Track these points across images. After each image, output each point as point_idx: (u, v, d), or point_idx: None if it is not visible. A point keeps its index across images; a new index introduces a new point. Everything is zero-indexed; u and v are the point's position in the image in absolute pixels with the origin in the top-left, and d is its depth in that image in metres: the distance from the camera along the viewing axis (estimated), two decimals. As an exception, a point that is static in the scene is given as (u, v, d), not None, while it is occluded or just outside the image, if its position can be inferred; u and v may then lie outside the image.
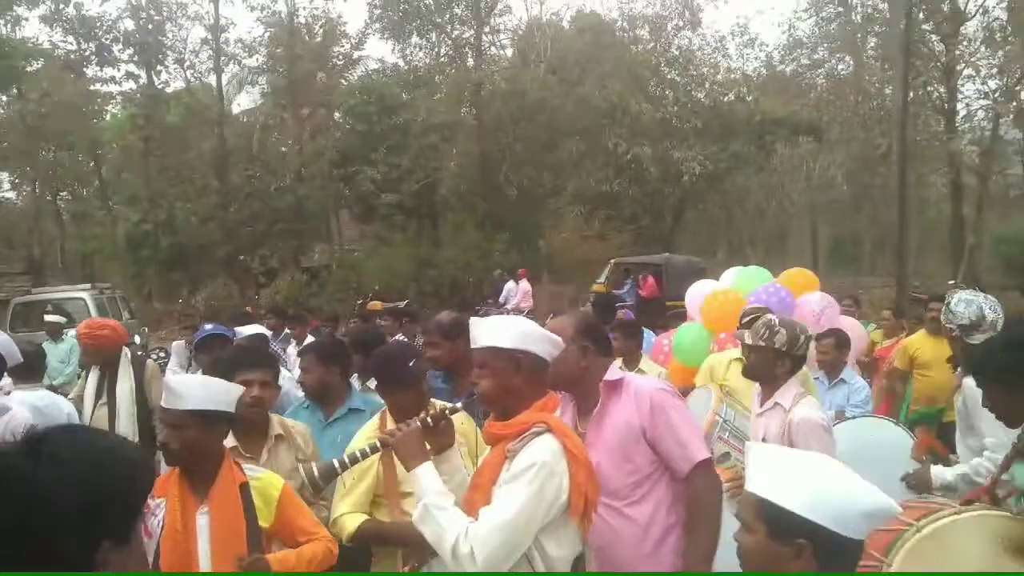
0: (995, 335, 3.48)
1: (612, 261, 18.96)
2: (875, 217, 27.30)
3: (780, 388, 3.49)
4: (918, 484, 3.54)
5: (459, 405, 2.55)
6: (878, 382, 6.57)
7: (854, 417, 4.88)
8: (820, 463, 1.67)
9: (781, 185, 26.82)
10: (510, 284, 15.89)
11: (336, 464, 2.46)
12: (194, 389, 2.67)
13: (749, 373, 3.67)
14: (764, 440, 3.40)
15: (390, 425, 3.10)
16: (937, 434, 4.84)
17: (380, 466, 3.03)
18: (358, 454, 2.48)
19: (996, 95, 21.80)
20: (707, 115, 23.44)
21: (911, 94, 18.21)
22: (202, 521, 2.60)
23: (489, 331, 2.39)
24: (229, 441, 3.23)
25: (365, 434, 3.18)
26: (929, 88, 22.20)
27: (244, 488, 2.67)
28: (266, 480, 2.77)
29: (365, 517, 3.03)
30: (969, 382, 3.20)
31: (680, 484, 2.74)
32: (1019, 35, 18.76)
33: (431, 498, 2.26)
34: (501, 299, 15.17)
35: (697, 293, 6.46)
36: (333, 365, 3.76)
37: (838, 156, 24.46)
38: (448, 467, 2.40)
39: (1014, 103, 20.30)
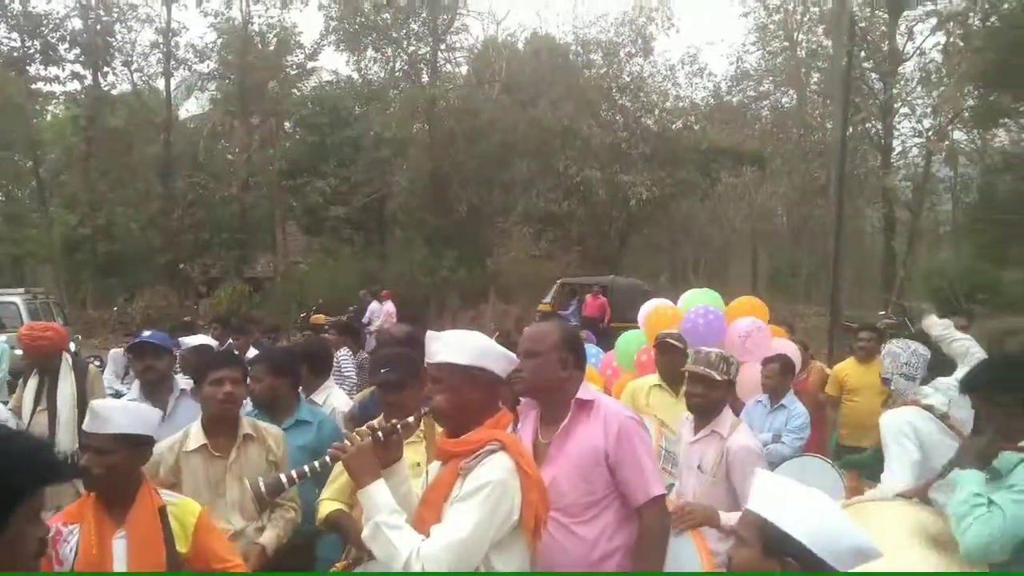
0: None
1: (559, 281, 19.15)
2: (812, 247, 28.13)
3: (717, 417, 3.54)
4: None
5: (411, 420, 2.51)
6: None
7: (788, 441, 5.10)
8: (820, 499, 1.83)
9: (725, 213, 27.56)
10: (374, 305, 16.00)
11: (284, 479, 2.38)
12: (118, 413, 2.65)
13: (703, 406, 3.57)
14: (700, 467, 3.46)
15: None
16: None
17: None
18: (306, 469, 2.41)
19: (929, 133, 22.78)
20: (655, 141, 23.94)
21: (850, 129, 18.93)
22: (119, 546, 2.55)
23: (446, 346, 2.38)
24: (200, 439, 3.27)
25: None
26: (867, 124, 23.09)
27: (163, 512, 2.64)
28: (183, 506, 2.75)
29: (339, 506, 3.17)
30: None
31: (627, 510, 2.73)
32: (952, 77, 19.66)
33: (383, 516, 2.22)
34: (365, 319, 15.25)
35: (650, 308, 6.66)
36: (284, 376, 3.78)
37: (780, 186, 25.22)
38: (395, 480, 2.37)
39: (946, 142, 21.23)
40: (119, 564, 2.53)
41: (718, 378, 3.53)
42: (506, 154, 23.88)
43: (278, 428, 3.56)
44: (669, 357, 4.74)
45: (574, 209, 23.21)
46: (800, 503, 1.78)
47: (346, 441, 2.37)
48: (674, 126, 25.33)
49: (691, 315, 5.92)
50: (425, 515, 2.30)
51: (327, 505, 3.21)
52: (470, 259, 23.67)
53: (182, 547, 2.65)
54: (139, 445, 2.64)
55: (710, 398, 3.54)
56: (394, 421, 2.48)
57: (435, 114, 23.78)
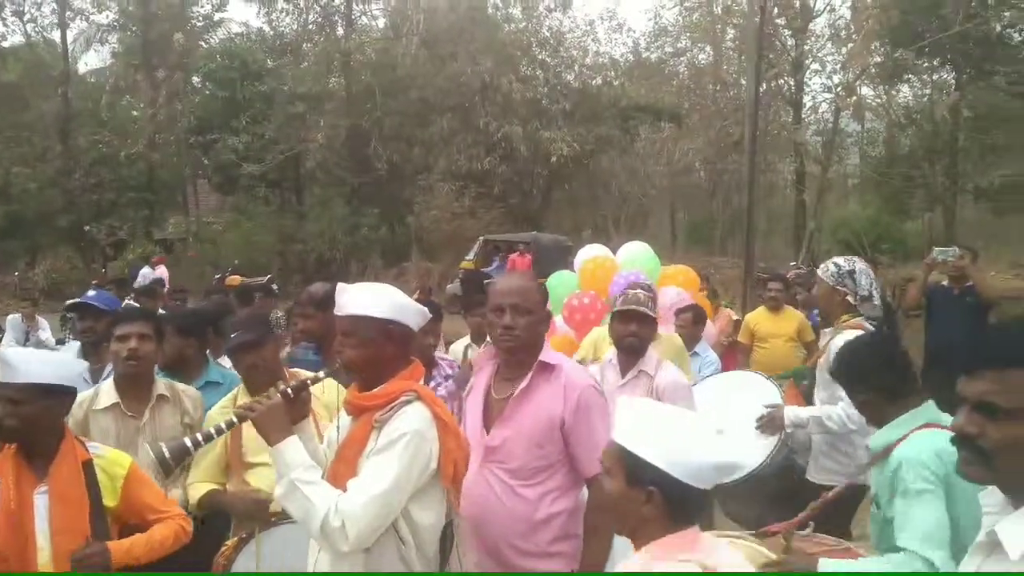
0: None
1: (481, 239, 19.12)
2: (728, 201, 28.80)
3: (643, 356, 3.64)
4: (771, 424, 3.82)
5: (321, 375, 2.49)
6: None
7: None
8: (679, 417, 1.81)
9: (644, 168, 27.86)
10: (145, 270, 15.96)
11: (189, 443, 2.32)
12: (34, 363, 2.55)
13: (637, 345, 3.63)
14: None
15: (242, 396, 3.08)
16: None
17: (227, 436, 2.91)
18: (213, 431, 2.37)
19: (838, 89, 23.44)
20: (576, 97, 23.91)
21: (763, 86, 19.32)
22: (40, 500, 2.49)
23: (359, 300, 2.36)
24: (112, 397, 3.14)
25: (220, 408, 3.16)
26: (780, 80, 23.59)
27: (88, 466, 2.57)
28: (111, 458, 2.68)
29: (211, 486, 3.05)
30: (835, 344, 3.35)
31: (573, 476, 2.70)
32: (860, 34, 20.21)
33: (298, 473, 2.18)
34: (137, 284, 15.20)
35: (587, 255, 6.75)
36: (191, 337, 3.68)
37: (697, 142, 25.61)
38: (303, 437, 2.33)
39: (854, 98, 21.88)
40: (40, 519, 2.46)
41: (651, 315, 3.63)
42: (425, 110, 23.49)
43: (196, 390, 3.47)
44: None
45: (495, 166, 23.08)
46: (656, 427, 1.75)
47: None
48: (594, 82, 25.34)
49: (620, 278, 6.01)
50: (340, 470, 2.28)
51: (198, 488, 3.07)
52: (391, 217, 23.37)
53: (110, 501, 2.60)
54: (58, 395, 2.53)
55: (643, 336, 3.62)
56: (305, 379, 2.45)
57: (351, 68, 23.15)
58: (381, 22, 26.15)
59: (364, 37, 24.13)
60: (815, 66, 24.16)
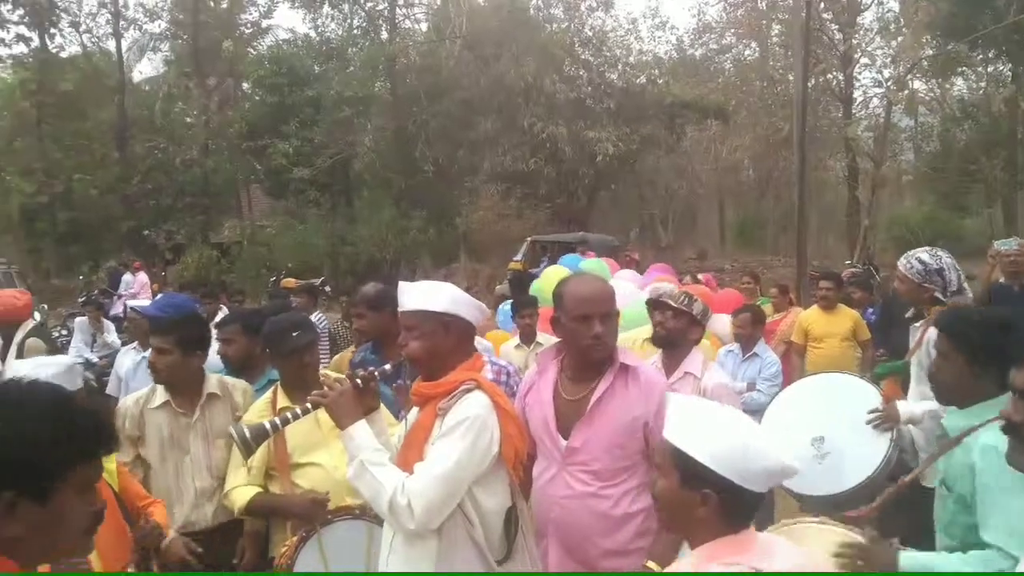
0: (990, 312, 3.45)
1: (529, 239, 19.17)
2: (778, 199, 28.40)
3: (687, 357, 3.61)
4: (887, 418, 3.53)
5: (388, 368, 2.62)
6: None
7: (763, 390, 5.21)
8: (734, 420, 1.79)
9: (690, 167, 27.65)
10: (127, 276, 16.10)
11: (268, 426, 2.48)
12: (39, 373, 2.68)
13: (664, 338, 3.68)
14: None
15: (281, 398, 3.17)
16: None
17: (272, 440, 3.03)
18: (289, 416, 2.52)
19: (889, 83, 22.96)
20: (620, 96, 23.79)
21: (811, 81, 19.01)
22: None
23: (419, 295, 2.47)
24: (164, 396, 3.29)
25: (257, 408, 3.23)
26: (828, 75, 23.19)
27: None
28: None
29: (257, 490, 3.09)
30: (931, 336, 3.19)
31: (649, 475, 2.69)
32: (909, 27, 19.77)
33: (366, 454, 2.31)
34: (121, 290, 15.33)
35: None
36: (256, 336, 3.76)
37: (744, 139, 25.31)
38: (375, 428, 2.45)
39: (905, 92, 21.41)
40: None
41: (674, 304, 3.63)
42: (470, 112, 23.62)
43: (246, 383, 3.56)
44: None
45: (541, 167, 23.10)
46: (710, 428, 1.73)
47: (325, 388, 2.45)
48: (638, 81, 25.18)
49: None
50: (408, 456, 2.39)
51: (244, 492, 3.07)
52: (439, 218, 23.55)
53: (115, 487, 2.76)
54: None
55: (670, 328, 3.62)
56: (372, 369, 2.55)
57: (396, 72, 23.39)
58: (424, 25, 26.43)
59: (408, 40, 24.37)
60: (864, 60, 23.70)
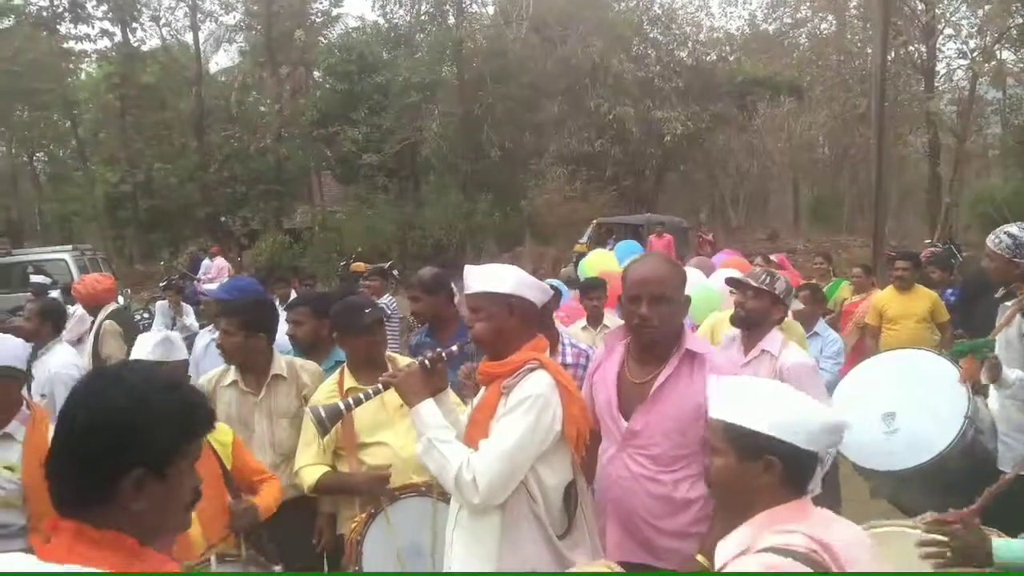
0: None
1: (595, 221, 19.06)
2: (854, 177, 27.49)
3: (766, 336, 3.56)
4: (991, 371, 3.29)
5: (454, 349, 2.67)
6: (847, 335, 6.79)
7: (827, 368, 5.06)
8: (776, 388, 1.82)
9: (763, 145, 26.97)
10: (206, 261, 16.42)
11: (342, 406, 2.61)
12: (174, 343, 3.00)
13: (745, 319, 3.61)
14: None
15: (348, 379, 3.25)
16: None
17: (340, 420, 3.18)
18: (361, 396, 2.63)
19: (975, 54, 21.90)
20: (689, 75, 23.34)
21: (891, 54, 18.30)
22: None
23: (485, 278, 2.52)
24: (234, 375, 3.42)
25: (325, 389, 3.30)
26: (909, 48, 22.25)
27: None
28: (220, 428, 2.93)
29: (326, 468, 3.18)
30: None
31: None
32: (998, -6, 18.80)
33: (433, 432, 2.40)
34: (200, 274, 15.56)
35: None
36: (324, 318, 3.87)
37: (819, 116, 24.54)
38: (443, 409, 2.53)
39: (992, 62, 20.38)
40: None
41: (754, 284, 3.57)
42: (536, 94, 23.55)
43: (315, 364, 3.66)
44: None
45: (608, 148, 22.88)
46: (757, 397, 1.75)
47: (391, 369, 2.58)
48: (708, 58, 24.67)
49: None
50: (473, 434, 2.46)
51: (313, 471, 3.16)
52: (505, 202, 23.61)
53: (227, 463, 2.89)
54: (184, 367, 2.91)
55: (749, 309, 3.58)
56: (439, 350, 2.61)
57: (463, 56, 23.47)
58: (491, 9, 26.38)
59: (475, 24, 24.37)
60: (948, 31, 22.64)
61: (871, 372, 3.97)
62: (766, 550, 1.61)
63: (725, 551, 1.75)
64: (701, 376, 2.59)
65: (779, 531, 1.66)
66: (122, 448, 1.27)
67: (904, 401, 3.59)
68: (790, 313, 5.37)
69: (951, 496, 2.58)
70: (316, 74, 27.43)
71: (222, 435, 2.93)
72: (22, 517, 2.80)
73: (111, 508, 1.27)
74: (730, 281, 3.83)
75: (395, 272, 13.97)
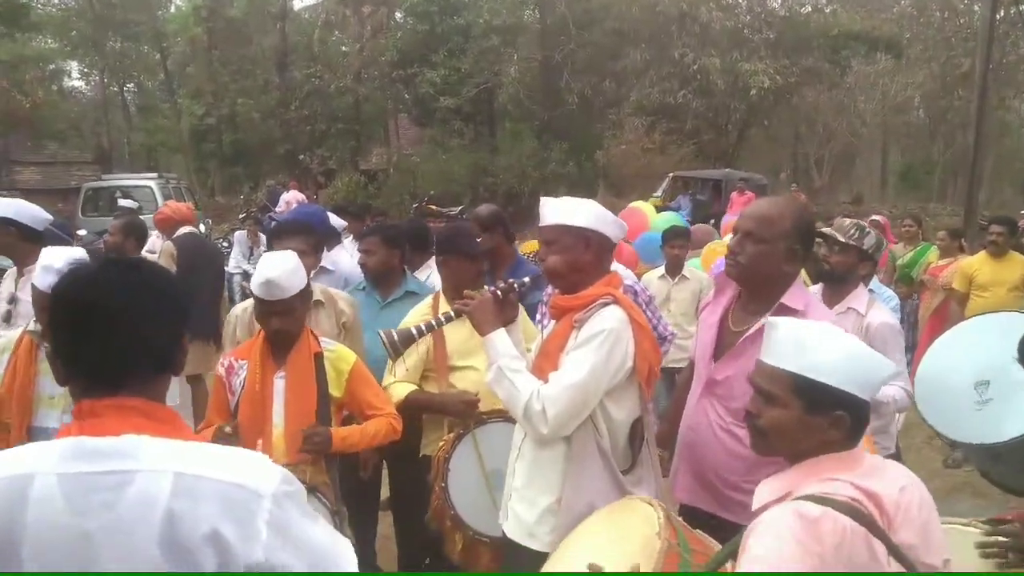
0: None
1: (671, 175, 18.68)
2: (949, 142, 26.16)
3: (852, 292, 3.43)
4: None
5: (526, 280, 2.66)
6: (928, 299, 6.53)
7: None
8: (839, 336, 1.74)
9: (854, 104, 25.80)
10: (285, 194, 16.44)
11: (414, 331, 2.65)
12: (290, 276, 2.88)
13: (829, 273, 3.48)
14: None
15: (443, 305, 3.26)
16: None
17: (432, 344, 3.21)
18: (433, 322, 2.67)
19: (1096, 14, 20.38)
20: (781, 26, 22.39)
21: (1000, 12, 17.16)
22: (279, 384, 2.83)
23: (560, 210, 2.47)
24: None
25: (419, 312, 3.35)
26: (1021, 7, 20.83)
27: (318, 358, 2.88)
28: (339, 353, 2.97)
29: (414, 387, 3.24)
30: None
31: None
32: None
33: (504, 361, 2.40)
34: (279, 206, 15.61)
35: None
36: (395, 248, 3.90)
37: (917, 76, 23.32)
38: (514, 339, 2.52)
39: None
40: (278, 399, 2.82)
41: (841, 239, 3.43)
42: (619, 42, 22.97)
43: (348, 295, 3.76)
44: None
45: (689, 100, 22.25)
46: (827, 349, 1.68)
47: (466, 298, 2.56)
48: (803, 9, 23.61)
49: None
50: (543, 365, 2.44)
51: (401, 387, 3.21)
52: (580, 152, 23.29)
53: (336, 391, 2.91)
54: (305, 295, 2.89)
55: (835, 264, 3.45)
56: (512, 281, 2.60)
57: (546, 0, 23.01)
58: (578, -48, 25.71)
59: (561, -33, 23.84)
60: (1068, -12, 21.03)
61: (967, 336, 3.73)
62: (805, 497, 1.58)
63: (766, 493, 1.72)
64: None
65: (825, 479, 1.63)
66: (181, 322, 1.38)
67: (1001, 369, 3.39)
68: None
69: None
70: (398, 14, 27.33)
71: (340, 360, 2.94)
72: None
73: (147, 382, 1.30)
74: (818, 234, 3.68)
75: (465, 217, 14.00)
